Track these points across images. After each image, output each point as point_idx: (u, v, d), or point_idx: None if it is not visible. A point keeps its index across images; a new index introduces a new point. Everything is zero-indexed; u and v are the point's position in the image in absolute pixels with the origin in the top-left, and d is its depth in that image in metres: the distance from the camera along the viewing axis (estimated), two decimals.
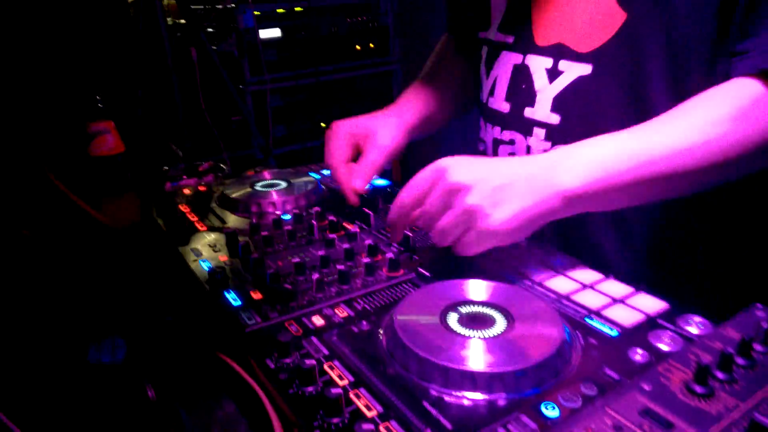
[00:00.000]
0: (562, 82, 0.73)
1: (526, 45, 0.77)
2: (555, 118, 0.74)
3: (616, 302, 0.55)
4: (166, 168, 1.23)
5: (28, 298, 0.71)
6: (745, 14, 0.61)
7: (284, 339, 0.48)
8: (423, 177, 0.61)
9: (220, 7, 1.93)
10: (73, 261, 0.81)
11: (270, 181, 0.92)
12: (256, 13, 1.87)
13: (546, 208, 0.58)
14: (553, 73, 0.73)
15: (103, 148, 0.94)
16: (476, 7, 0.88)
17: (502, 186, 0.57)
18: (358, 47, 2.10)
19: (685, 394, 0.37)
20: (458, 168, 0.58)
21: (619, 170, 0.59)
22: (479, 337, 0.47)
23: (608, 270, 0.62)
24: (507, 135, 0.81)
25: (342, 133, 0.85)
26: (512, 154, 0.80)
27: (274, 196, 0.85)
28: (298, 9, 1.97)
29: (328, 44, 2.04)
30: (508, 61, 0.80)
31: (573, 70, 0.72)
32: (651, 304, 0.55)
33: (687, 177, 0.60)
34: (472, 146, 0.96)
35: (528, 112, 0.77)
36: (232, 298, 0.59)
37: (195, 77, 1.62)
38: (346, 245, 0.67)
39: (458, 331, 0.48)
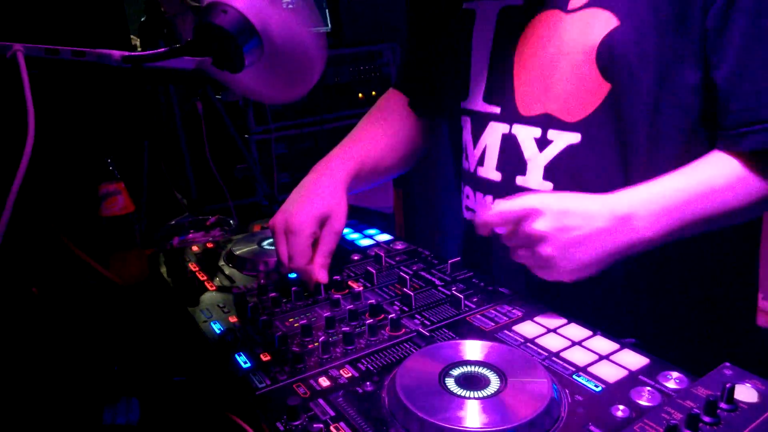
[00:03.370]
0: (552, 151, 0.77)
1: (512, 115, 0.81)
2: (547, 186, 0.78)
3: (601, 359, 0.60)
4: (173, 223, 1.29)
5: (40, 358, 0.75)
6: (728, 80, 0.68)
7: (293, 403, 0.52)
8: (512, 212, 0.66)
9: None
10: (83, 319, 0.85)
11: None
12: None
13: (613, 259, 0.67)
14: (543, 143, 0.78)
15: (113, 208, 0.99)
16: (453, 76, 0.91)
17: (578, 241, 0.65)
18: (360, 95, 2.20)
19: None
20: (541, 217, 0.65)
21: (682, 213, 0.68)
22: (474, 398, 0.52)
23: (594, 317, 0.68)
24: None
25: (307, 234, 0.80)
26: None
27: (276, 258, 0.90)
28: None
29: (332, 93, 2.12)
30: (495, 131, 0.84)
31: (562, 139, 0.76)
32: (634, 360, 0.59)
33: (724, 215, 0.69)
34: (458, 209, 0.99)
35: (520, 180, 0.81)
36: (243, 361, 0.63)
37: (200, 128, 1.69)
38: (350, 306, 0.71)
39: (455, 392, 0.53)
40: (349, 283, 0.81)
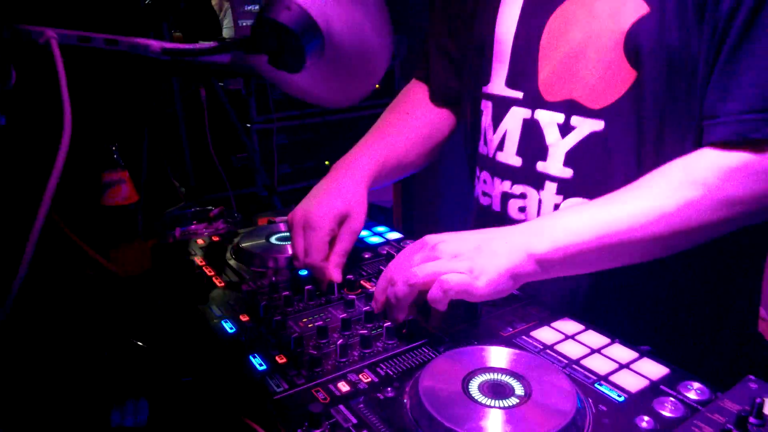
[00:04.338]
0: (574, 137, 0.77)
1: (535, 100, 0.80)
2: (568, 172, 0.78)
3: (622, 367, 0.59)
4: (174, 213, 1.27)
5: (44, 354, 0.74)
6: (718, 77, 0.67)
7: (316, 410, 0.52)
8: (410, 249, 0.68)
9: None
10: (81, 312, 0.83)
11: (285, 233, 0.96)
12: None
13: (521, 270, 0.65)
14: (566, 129, 0.77)
15: (117, 198, 0.97)
16: (476, 62, 0.91)
17: (479, 247, 0.65)
18: None
19: None
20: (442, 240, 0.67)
21: (585, 238, 0.66)
22: (499, 407, 0.51)
23: (603, 322, 0.67)
24: (518, 189, 0.84)
25: (325, 230, 0.80)
26: (522, 208, 0.84)
27: (291, 251, 0.89)
28: None
29: None
30: (517, 116, 0.83)
31: (585, 126, 0.76)
32: (654, 369, 0.59)
33: (649, 244, 0.67)
34: (468, 198, 0.99)
35: (540, 166, 0.80)
36: (258, 363, 0.62)
37: (201, 115, 1.66)
38: (365, 307, 0.70)
39: (480, 401, 0.52)
40: (362, 282, 0.80)
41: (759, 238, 0.83)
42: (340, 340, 0.63)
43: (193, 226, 1.20)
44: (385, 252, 0.89)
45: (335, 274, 0.78)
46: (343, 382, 0.58)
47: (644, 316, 0.80)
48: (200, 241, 1.00)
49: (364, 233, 0.99)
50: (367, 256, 0.90)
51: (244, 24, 2.20)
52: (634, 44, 0.70)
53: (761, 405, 0.46)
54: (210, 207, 1.26)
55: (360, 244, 0.95)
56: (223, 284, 0.83)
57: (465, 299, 0.64)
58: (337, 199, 0.83)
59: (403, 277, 0.64)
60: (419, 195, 2.40)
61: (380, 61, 0.57)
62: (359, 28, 0.48)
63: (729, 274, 0.82)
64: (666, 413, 0.52)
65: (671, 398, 0.54)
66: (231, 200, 1.70)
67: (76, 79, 0.54)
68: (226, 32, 2.63)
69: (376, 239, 0.97)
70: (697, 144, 0.70)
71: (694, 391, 0.55)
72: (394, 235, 0.98)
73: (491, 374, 0.56)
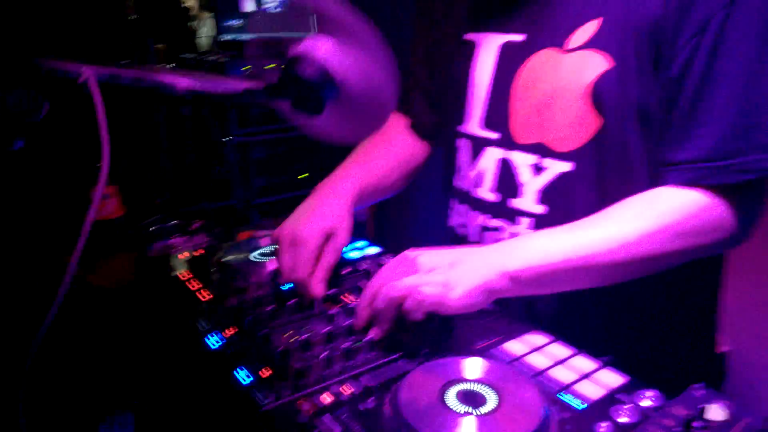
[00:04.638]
0: (546, 177, 0.83)
1: (508, 142, 0.86)
2: (540, 209, 0.84)
3: (583, 377, 0.65)
4: (155, 226, 1.28)
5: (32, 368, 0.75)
6: (675, 129, 0.74)
7: (302, 420, 0.55)
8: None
9: (210, 58, 2.03)
10: (67, 325, 0.85)
11: (268, 249, 0.99)
12: (243, 68, 1.97)
13: (494, 286, 0.70)
14: (538, 169, 0.84)
15: (104, 212, 0.99)
16: (452, 101, 0.96)
17: (455, 262, 0.70)
18: None
19: None
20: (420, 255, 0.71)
21: (555, 259, 0.72)
22: (474, 414, 0.56)
23: (574, 338, 0.73)
24: (495, 223, 0.90)
25: (313, 246, 0.85)
26: (497, 240, 0.89)
27: (274, 266, 0.92)
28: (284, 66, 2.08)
29: None
30: (492, 155, 0.89)
31: (556, 167, 0.82)
32: (612, 379, 0.64)
33: (611, 269, 0.73)
34: (439, 218, 1.04)
35: (514, 202, 0.86)
36: (244, 376, 0.66)
37: (181, 128, 1.68)
38: (347, 321, 0.74)
39: (455, 409, 0.57)
40: (342, 297, 0.84)
41: (713, 261, 0.90)
42: (324, 354, 0.67)
43: (173, 240, 1.22)
44: (364, 267, 0.94)
45: (318, 289, 0.82)
46: (327, 394, 0.62)
47: (608, 329, 0.86)
48: (183, 255, 1.03)
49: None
50: (346, 271, 0.94)
51: (225, 38, 2.23)
52: (599, 96, 0.77)
53: (703, 410, 0.52)
54: (191, 221, 1.28)
55: (340, 260, 0.98)
56: (208, 298, 0.86)
57: (439, 311, 0.69)
58: (324, 218, 0.88)
59: (385, 290, 0.69)
60: (393, 210, 2.45)
61: (388, 102, 0.63)
62: (369, 76, 0.52)
63: (685, 293, 0.89)
64: (621, 420, 0.57)
65: (626, 406, 0.59)
66: (209, 213, 1.72)
67: (68, 102, 0.57)
68: (204, 41, 2.65)
69: (355, 254, 1.01)
70: (656, 184, 0.77)
71: (648, 399, 0.60)
72: (373, 250, 1.03)
73: (465, 384, 0.60)
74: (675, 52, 0.72)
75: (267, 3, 2.43)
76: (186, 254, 1.02)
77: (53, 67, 0.51)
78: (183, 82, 0.51)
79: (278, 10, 2.46)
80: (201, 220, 1.28)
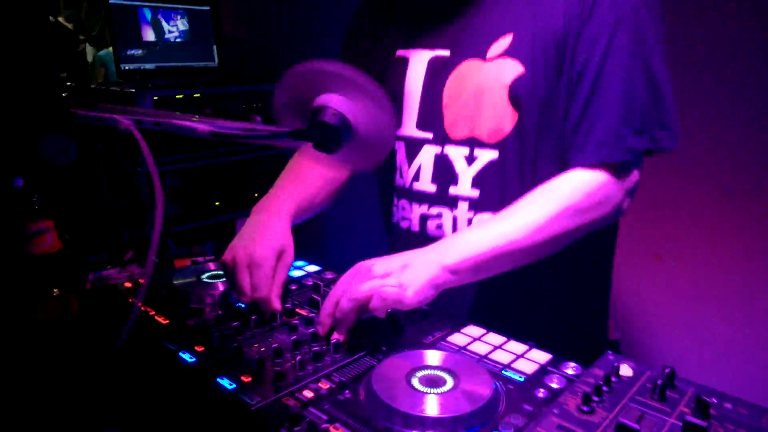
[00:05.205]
0: (477, 165, 0.98)
1: (443, 138, 1.01)
2: (475, 193, 0.99)
3: (518, 357, 0.78)
4: (86, 259, 1.27)
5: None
6: (577, 118, 0.91)
7: (295, 411, 0.63)
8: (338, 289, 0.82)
9: (114, 89, 2.00)
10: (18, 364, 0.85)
11: (215, 272, 1.04)
12: (155, 98, 1.96)
13: (439, 281, 0.82)
14: (470, 159, 0.98)
15: (43, 246, 0.99)
16: None
17: (404, 266, 0.82)
18: None
19: (579, 413, 0.60)
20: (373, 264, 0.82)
21: (484, 249, 0.86)
22: (437, 393, 0.66)
23: (502, 325, 0.86)
24: (435, 210, 1.03)
25: (270, 266, 0.93)
26: (439, 226, 1.02)
27: (219, 290, 0.98)
28: (196, 95, 2.10)
29: None
30: (429, 152, 1.02)
31: (484, 156, 0.97)
32: (540, 356, 0.78)
33: (532, 249, 0.88)
34: (386, 222, 1.15)
35: (453, 190, 1.00)
36: (227, 384, 0.72)
37: (96, 162, 1.66)
38: (309, 329, 0.82)
39: (421, 390, 0.67)
40: (297, 310, 0.92)
41: (604, 250, 1.09)
42: (298, 357, 0.74)
43: (107, 271, 1.22)
44: (311, 283, 1.02)
45: (277, 304, 0.89)
46: (308, 390, 0.70)
47: (526, 317, 1.01)
48: (128, 285, 1.04)
49: None
50: (293, 287, 1.01)
51: (128, 68, 2.20)
52: (515, 95, 0.93)
53: (618, 368, 0.67)
54: (123, 251, 1.29)
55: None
56: (167, 322, 0.89)
57: (399, 308, 0.79)
58: (273, 239, 0.96)
59: (348, 294, 0.78)
60: (318, 226, 2.52)
61: (390, 137, 0.75)
62: (376, 119, 0.62)
63: (583, 279, 1.07)
64: (553, 386, 0.71)
65: (556, 375, 0.73)
66: (123, 242, 1.69)
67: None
68: (100, 71, 2.58)
69: (298, 273, 1.09)
70: (564, 166, 0.94)
71: (571, 368, 0.74)
72: (313, 268, 1.11)
73: (427, 370, 0.71)
74: (574, 60, 0.90)
75: (168, 33, 2.43)
76: (130, 284, 1.04)
77: (88, 115, 0.56)
78: (204, 127, 0.57)
79: (178, 40, 2.48)
80: (132, 250, 1.29)
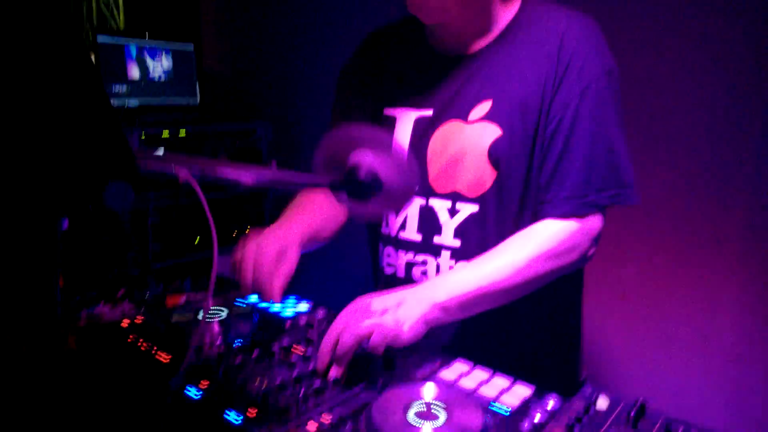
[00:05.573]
0: (459, 217, 1.07)
1: (428, 191, 1.09)
2: (457, 243, 1.07)
3: (503, 392, 0.84)
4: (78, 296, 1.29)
5: None
6: (549, 175, 1.01)
7: None
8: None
9: None
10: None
11: (213, 310, 1.08)
12: (142, 137, 2.01)
13: (430, 317, 0.90)
14: (453, 211, 1.07)
15: None
16: None
17: (399, 303, 0.89)
18: None
19: None
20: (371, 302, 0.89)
21: (470, 288, 0.95)
22: (435, 427, 0.72)
23: (485, 357, 0.93)
24: (420, 258, 1.10)
25: (274, 253, 1.02)
26: (424, 272, 1.10)
27: (217, 328, 1.02)
28: (181, 135, 2.16)
29: None
30: (415, 203, 1.11)
31: (466, 209, 1.06)
32: (523, 390, 0.85)
33: (513, 289, 0.97)
34: (362, 267, 1.22)
35: (437, 239, 1.08)
36: (234, 417, 0.76)
37: None
38: (308, 366, 0.87)
39: (417, 424, 0.73)
40: (293, 348, 0.96)
41: (572, 294, 1.18)
42: (302, 392, 0.79)
43: (99, 309, 1.24)
44: (304, 322, 1.07)
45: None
46: (311, 423, 0.75)
47: (507, 350, 1.08)
48: (125, 322, 1.07)
49: (277, 308, 1.15)
50: (288, 325, 1.06)
51: (113, 104, 2.25)
52: (494, 155, 1.03)
53: (595, 401, 0.74)
54: (114, 289, 1.31)
55: (277, 318, 1.10)
56: (167, 359, 0.93)
57: (395, 344, 0.86)
58: (281, 236, 1.06)
59: (349, 330, 0.85)
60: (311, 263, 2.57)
61: (413, 186, 0.83)
62: (400, 172, 0.71)
63: (557, 315, 1.16)
64: (536, 419, 0.77)
65: (538, 408, 0.79)
66: (108, 279, 1.71)
67: None
68: None
69: (289, 311, 1.14)
70: (537, 218, 1.03)
71: (552, 401, 0.81)
72: (304, 307, 1.16)
73: (423, 404, 0.77)
74: (547, 124, 1.01)
75: (152, 72, 2.49)
76: (127, 321, 1.07)
77: (149, 167, 0.61)
78: (249, 178, 0.63)
79: (162, 79, 2.54)
80: (123, 287, 1.31)
